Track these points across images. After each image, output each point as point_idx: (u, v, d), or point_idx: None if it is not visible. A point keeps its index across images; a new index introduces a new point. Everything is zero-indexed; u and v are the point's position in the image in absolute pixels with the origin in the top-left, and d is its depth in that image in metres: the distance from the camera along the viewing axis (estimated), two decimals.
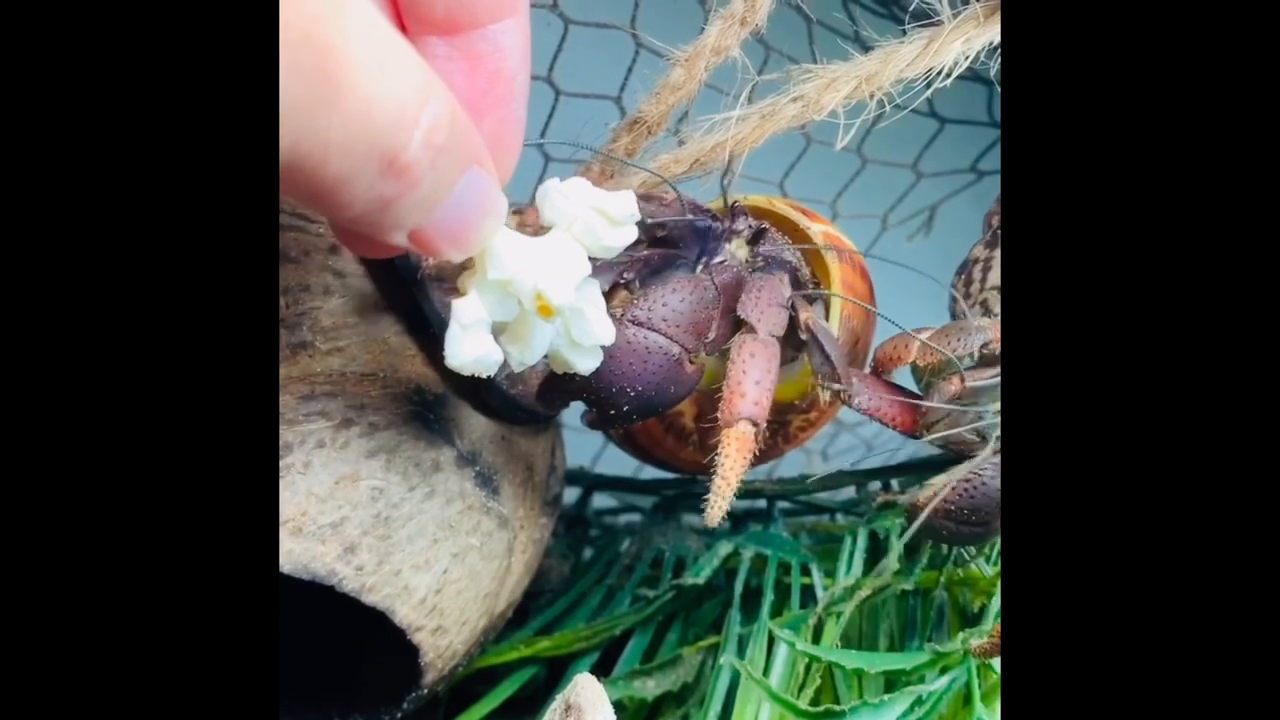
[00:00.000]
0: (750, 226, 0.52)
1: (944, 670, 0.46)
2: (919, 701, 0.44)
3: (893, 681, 0.48)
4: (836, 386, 0.48)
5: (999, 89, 0.62)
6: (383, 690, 0.51)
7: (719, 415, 0.45)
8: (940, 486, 0.46)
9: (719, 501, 0.44)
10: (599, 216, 0.40)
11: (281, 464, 0.41)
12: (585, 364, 0.42)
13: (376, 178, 0.31)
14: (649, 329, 0.45)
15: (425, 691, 0.49)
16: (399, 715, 0.49)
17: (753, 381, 0.45)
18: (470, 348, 0.38)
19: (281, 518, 0.40)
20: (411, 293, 0.47)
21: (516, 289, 0.38)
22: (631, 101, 0.58)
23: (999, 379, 0.47)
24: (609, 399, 0.45)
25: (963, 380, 0.47)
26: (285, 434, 0.41)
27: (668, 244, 0.50)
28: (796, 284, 0.52)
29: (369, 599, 0.43)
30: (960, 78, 0.51)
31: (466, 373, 0.39)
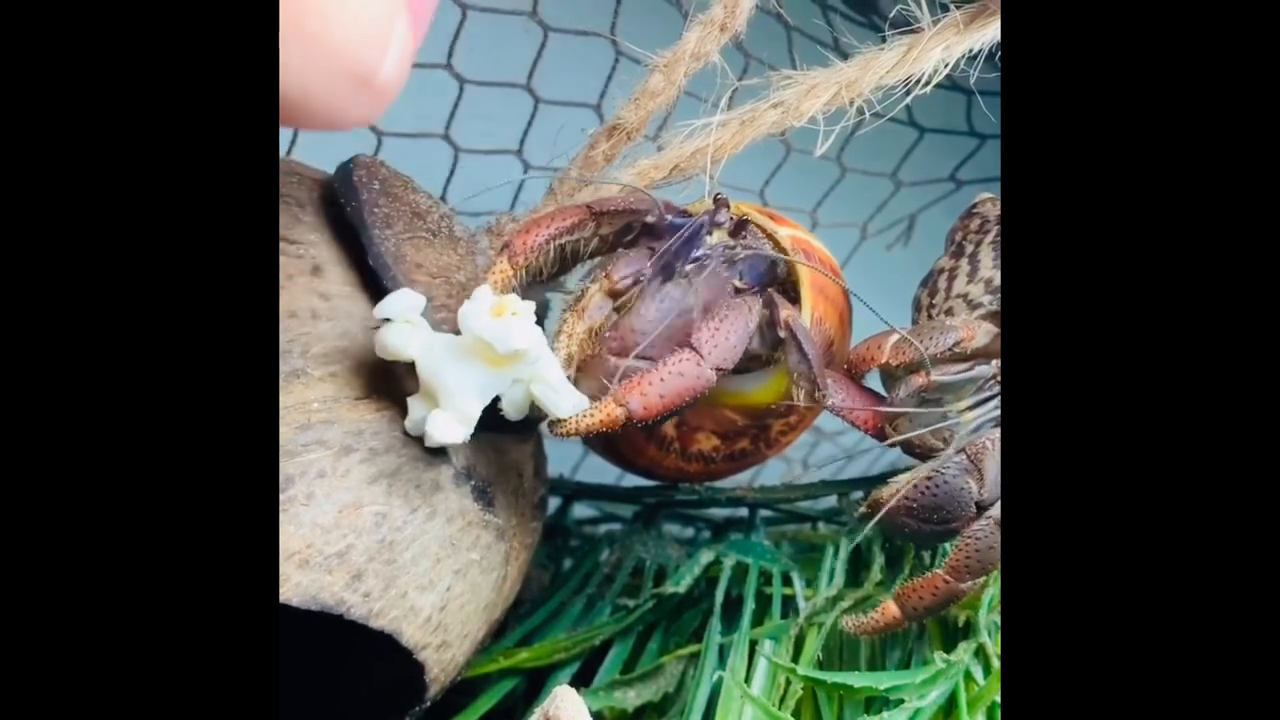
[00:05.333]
0: (732, 219, 0.52)
1: (925, 686, 0.46)
2: (914, 716, 0.44)
3: (873, 697, 0.48)
4: (811, 387, 0.48)
5: (979, 98, 0.62)
6: (381, 705, 0.51)
7: (614, 390, 0.45)
8: (903, 484, 0.46)
9: (564, 428, 0.45)
10: (487, 347, 0.43)
11: (284, 497, 0.41)
12: (560, 415, 0.45)
13: (351, 98, 0.32)
14: (625, 356, 0.47)
15: (427, 704, 0.49)
16: None
17: (658, 394, 0.45)
18: (431, 434, 0.44)
19: (287, 551, 0.40)
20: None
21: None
22: (611, 110, 0.58)
23: (964, 376, 0.47)
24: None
25: (928, 374, 0.47)
26: (286, 466, 0.41)
27: (654, 236, 0.51)
28: (774, 280, 0.52)
29: (376, 624, 0.43)
30: (939, 87, 0.52)
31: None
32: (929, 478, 0.46)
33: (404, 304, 0.44)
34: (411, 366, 0.46)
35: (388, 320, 0.44)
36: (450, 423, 0.44)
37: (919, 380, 0.48)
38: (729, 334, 0.46)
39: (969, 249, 0.55)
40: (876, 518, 0.47)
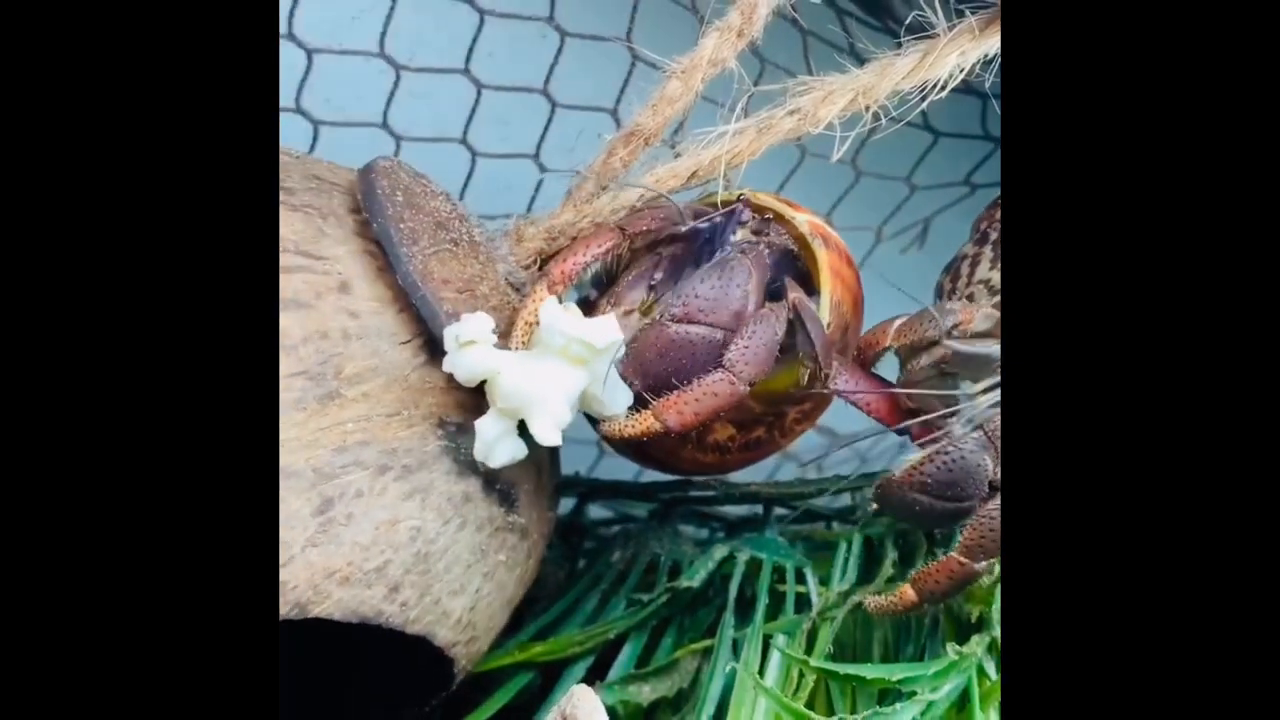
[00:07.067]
0: (754, 217, 0.53)
1: (938, 678, 0.47)
2: (927, 709, 0.44)
3: (886, 689, 0.48)
4: (816, 366, 0.49)
5: (994, 102, 0.62)
6: (410, 692, 0.53)
7: (653, 405, 0.48)
8: (917, 459, 0.47)
9: (607, 429, 0.49)
10: (583, 346, 0.46)
11: (324, 519, 0.43)
12: (611, 413, 0.49)
13: None
14: (688, 323, 0.48)
15: (452, 689, 0.51)
16: (425, 711, 0.52)
17: (693, 411, 0.48)
18: (500, 453, 0.47)
19: (328, 570, 0.43)
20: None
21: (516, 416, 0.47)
22: (627, 114, 0.58)
23: (982, 350, 0.48)
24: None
25: (952, 334, 0.48)
26: (325, 489, 0.43)
27: (679, 241, 0.53)
28: (794, 271, 0.53)
29: (412, 630, 0.46)
30: (954, 91, 0.52)
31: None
32: (945, 452, 0.46)
33: (483, 326, 0.47)
34: (445, 383, 0.47)
35: (471, 343, 0.46)
36: (549, 427, 0.46)
37: (939, 351, 0.48)
38: (758, 349, 0.48)
39: (993, 236, 0.55)
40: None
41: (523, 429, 0.48)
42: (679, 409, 0.48)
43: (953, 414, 0.48)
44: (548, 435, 0.46)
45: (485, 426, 0.47)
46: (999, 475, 0.46)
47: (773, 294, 0.52)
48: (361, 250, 0.48)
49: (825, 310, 0.53)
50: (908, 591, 0.48)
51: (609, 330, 0.47)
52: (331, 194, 0.50)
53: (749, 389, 0.48)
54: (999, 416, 0.47)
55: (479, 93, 0.66)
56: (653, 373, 0.49)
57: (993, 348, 0.48)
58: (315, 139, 0.66)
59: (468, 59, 0.65)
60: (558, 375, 0.47)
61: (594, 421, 0.53)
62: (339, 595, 0.43)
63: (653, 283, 0.52)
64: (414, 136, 0.68)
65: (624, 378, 0.49)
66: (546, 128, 0.68)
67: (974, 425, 0.47)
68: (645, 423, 0.48)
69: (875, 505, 0.52)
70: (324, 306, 0.45)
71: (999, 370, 0.48)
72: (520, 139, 0.69)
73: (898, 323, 0.51)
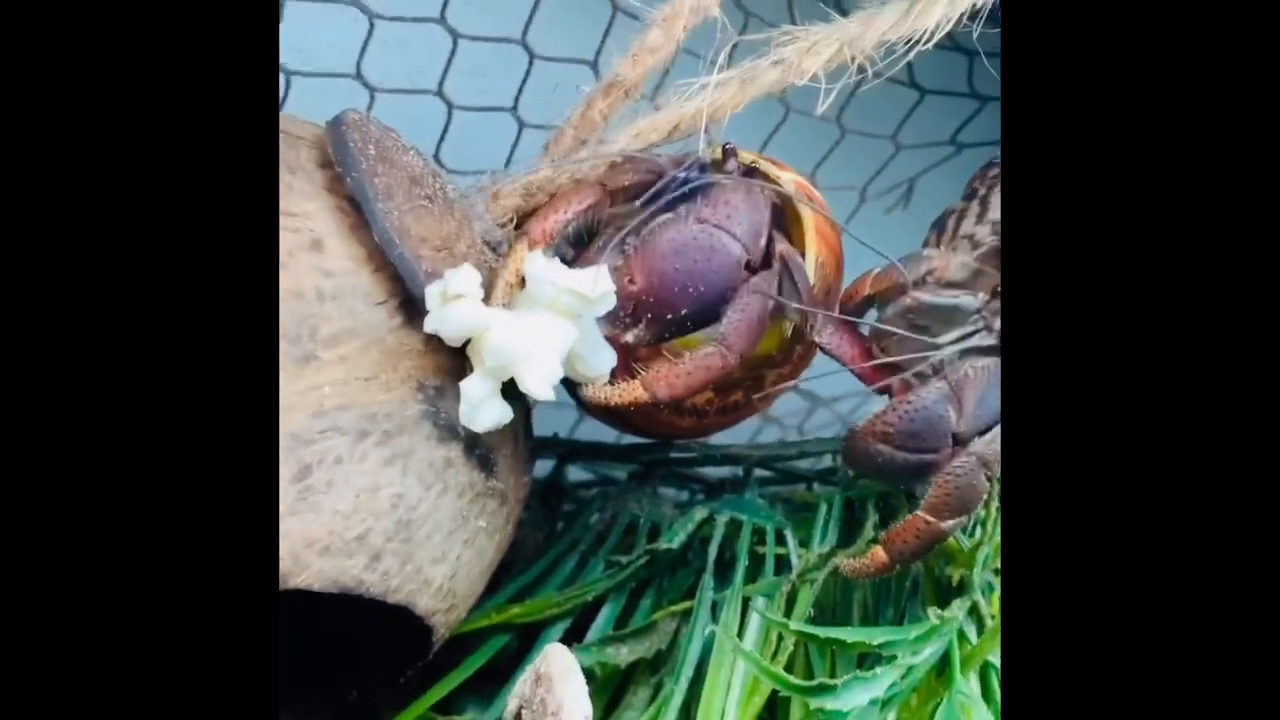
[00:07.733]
0: (739, 166, 0.53)
1: (919, 642, 0.46)
2: (908, 673, 0.44)
3: (866, 653, 0.48)
4: (802, 319, 0.50)
5: (982, 59, 0.61)
6: (388, 661, 0.52)
7: (642, 375, 0.48)
8: (880, 410, 0.47)
9: (592, 395, 0.49)
10: (574, 297, 0.46)
11: (302, 486, 0.41)
12: (595, 373, 0.49)
13: None
14: (715, 226, 0.48)
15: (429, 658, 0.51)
16: (400, 681, 0.52)
17: (684, 385, 0.48)
18: (486, 416, 0.46)
19: (309, 539, 0.42)
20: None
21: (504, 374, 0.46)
22: (607, 65, 0.57)
23: (949, 300, 0.48)
24: (670, 300, 0.47)
25: (926, 281, 0.48)
26: (304, 455, 0.42)
27: (659, 197, 0.51)
28: (779, 226, 0.53)
29: (393, 599, 0.45)
30: (940, 47, 0.51)
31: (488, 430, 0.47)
32: (907, 401, 0.46)
33: (471, 279, 0.45)
34: (423, 346, 0.46)
35: (459, 297, 0.45)
36: (541, 381, 0.45)
37: (905, 301, 0.48)
38: (751, 322, 0.48)
39: (981, 192, 0.55)
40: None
41: (505, 392, 0.47)
42: (669, 380, 0.47)
43: (916, 362, 0.47)
44: (540, 389, 0.45)
45: (470, 388, 0.46)
46: (963, 428, 0.46)
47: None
48: (333, 207, 0.47)
49: (810, 270, 0.52)
50: (878, 553, 0.48)
51: (601, 280, 0.46)
52: (298, 148, 0.49)
53: (739, 360, 0.48)
54: (965, 368, 0.46)
55: (455, 43, 0.65)
56: (659, 270, 0.48)
57: (961, 298, 0.48)
58: (287, 90, 0.65)
59: (443, 8, 0.63)
60: (547, 328, 0.46)
61: (572, 386, 0.52)
62: (319, 565, 0.42)
63: (625, 248, 0.50)
64: (388, 88, 0.66)
65: (624, 277, 0.48)
66: (525, 79, 0.67)
67: (938, 375, 0.46)
68: (634, 393, 0.48)
69: (843, 460, 0.52)
70: (296, 266, 0.44)
71: (967, 321, 0.48)
72: (497, 91, 0.68)
73: (875, 271, 0.51)
